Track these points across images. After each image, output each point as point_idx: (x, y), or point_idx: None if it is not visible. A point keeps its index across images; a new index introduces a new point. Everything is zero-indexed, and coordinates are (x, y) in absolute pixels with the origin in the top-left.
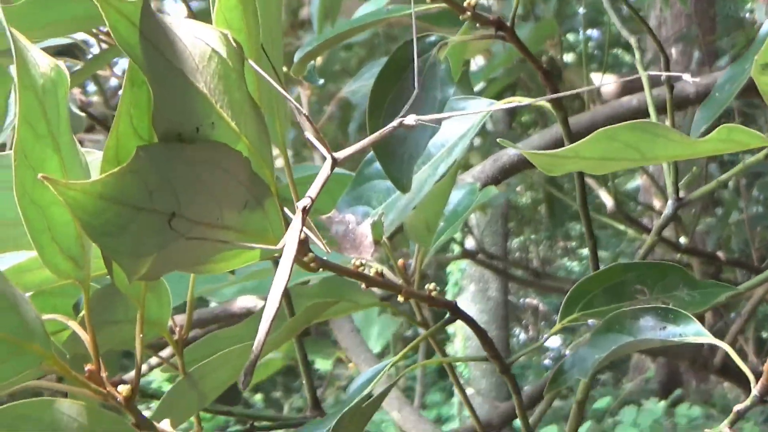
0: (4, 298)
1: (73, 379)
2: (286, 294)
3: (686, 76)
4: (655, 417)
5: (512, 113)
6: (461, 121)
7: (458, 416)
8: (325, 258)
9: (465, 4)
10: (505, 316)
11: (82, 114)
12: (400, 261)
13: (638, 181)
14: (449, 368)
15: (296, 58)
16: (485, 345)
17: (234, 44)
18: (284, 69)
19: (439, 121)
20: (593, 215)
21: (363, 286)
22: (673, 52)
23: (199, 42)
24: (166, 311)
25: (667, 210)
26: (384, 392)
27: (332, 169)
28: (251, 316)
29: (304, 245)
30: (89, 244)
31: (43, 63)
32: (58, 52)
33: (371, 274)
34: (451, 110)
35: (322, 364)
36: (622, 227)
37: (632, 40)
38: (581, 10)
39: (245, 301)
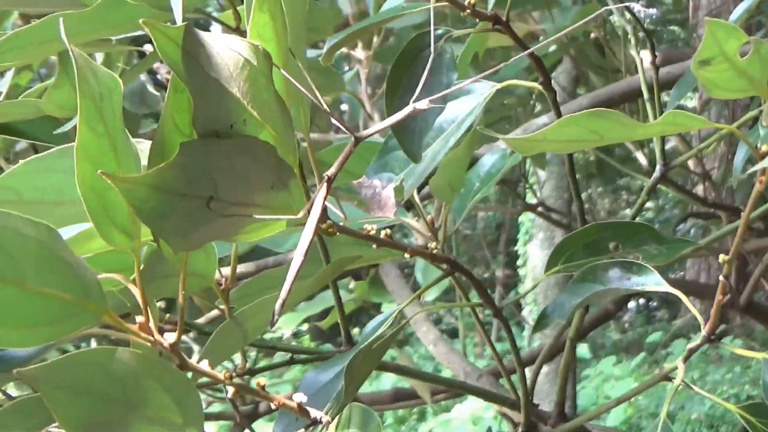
0: (65, 264)
1: (126, 330)
2: (323, 244)
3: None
4: (702, 349)
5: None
6: (469, 99)
7: (528, 347)
8: (341, 224)
9: (466, 2)
10: None
11: (157, 93)
12: (429, 217)
13: (672, 143)
14: (473, 311)
15: (325, 48)
16: (480, 292)
17: (263, 53)
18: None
19: (445, 101)
20: (634, 174)
21: (374, 246)
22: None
23: (234, 53)
24: (212, 265)
25: (656, 173)
26: (394, 334)
27: (354, 146)
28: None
29: (324, 214)
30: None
31: (100, 73)
32: (136, 38)
33: (382, 236)
34: (460, 92)
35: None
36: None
37: (629, 29)
38: None
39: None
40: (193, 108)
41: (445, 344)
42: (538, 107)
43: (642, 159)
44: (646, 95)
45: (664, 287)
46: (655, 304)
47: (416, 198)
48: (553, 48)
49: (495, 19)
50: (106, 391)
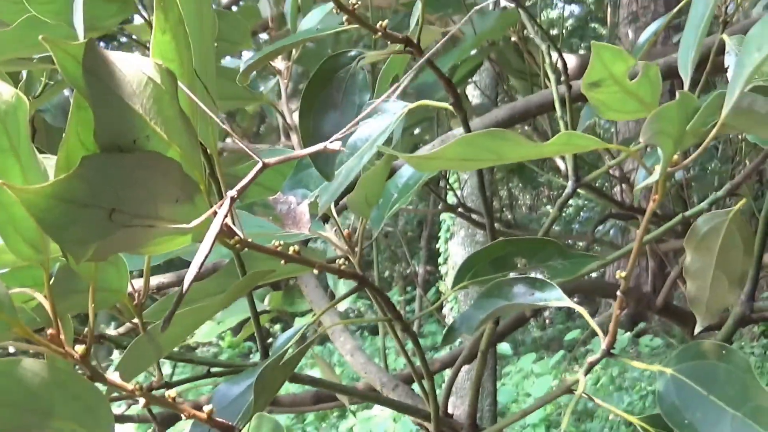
0: None
1: (37, 341)
2: (239, 258)
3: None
4: (622, 346)
5: (497, 83)
6: (382, 119)
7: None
8: (249, 240)
9: (378, 25)
10: None
11: None
12: (346, 231)
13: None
14: (388, 325)
15: (241, 68)
16: (388, 308)
17: (166, 72)
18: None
19: (350, 118)
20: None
21: (282, 262)
22: (629, 30)
23: (137, 71)
24: (124, 281)
25: (568, 189)
26: (302, 349)
27: (260, 171)
28: (208, 277)
29: (231, 231)
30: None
31: (4, 92)
32: None
33: (290, 252)
34: (374, 111)
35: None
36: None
37: (543, 47)
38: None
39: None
40: (95, 122)
41: (362, 354)
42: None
43: (560, 163)
44: (558, 112)
45: (566, 302)
46: (576, 299)
47: (333, 212)
48: (473, 52)
49: (407, 42)
50: (14, 400)
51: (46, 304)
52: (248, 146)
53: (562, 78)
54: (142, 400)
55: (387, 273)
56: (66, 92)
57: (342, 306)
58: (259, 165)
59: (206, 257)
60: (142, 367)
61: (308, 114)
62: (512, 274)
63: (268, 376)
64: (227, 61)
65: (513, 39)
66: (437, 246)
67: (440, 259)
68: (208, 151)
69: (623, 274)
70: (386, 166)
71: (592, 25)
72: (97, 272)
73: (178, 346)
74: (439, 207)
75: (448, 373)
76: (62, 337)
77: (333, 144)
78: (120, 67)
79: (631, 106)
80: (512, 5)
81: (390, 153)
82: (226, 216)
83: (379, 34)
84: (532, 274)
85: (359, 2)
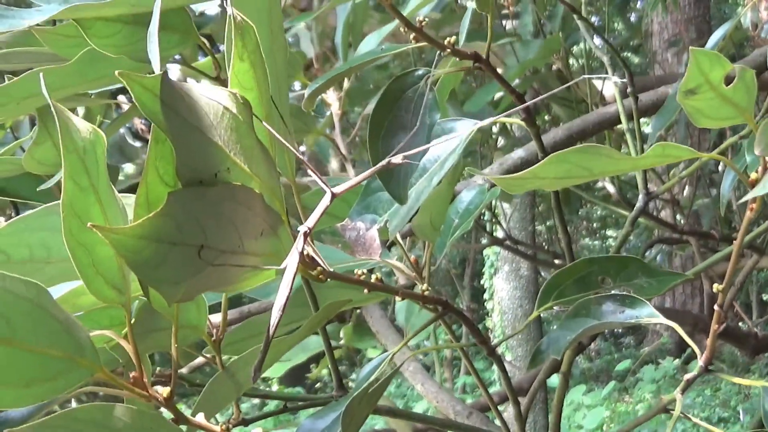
0: (57, 321)
1: (120, 385)
2: (311, 291)
3: (615, 79)
4: (670, 374)
5: (534, 114)
6: (453, 140)
7: (499, 381)
8: (332, 270)
9: (445, 42)
10: (536, 292)
11: (137, 144)
12: (413, 257)
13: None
14: (462, 351)
15: (306, 94)
16: (473, 332)
17: (242, 101)
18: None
19: (421, 139)
20: (601, 204)
21: (365, 291)
22: (668, 55)
23: (213, 102)
24: (203, 317)
25: (639, 203)
26: (388, 378)
27: (331, 201)
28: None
29: (313, 261)
30: (129, 273)
31: (83, 128)
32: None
33: (372, 281)
34: (442, 130)
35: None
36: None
37: (605, 59)
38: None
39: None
40: (176, 157)
41: (433, 383)
42: (501, 141)
43: (611, 187)
44: (624, 126)
45: (659, 319)
46: (620, 330)
47: (399, 238)
48: (517, 81)
49: (475, 58)
50: None
51: (128, 347)
52: (317, 175)
53: (629, 90)
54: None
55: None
56: (121, 130)
57: (413, 341)
58: (329, 194)
59: (289, 295)
60: (221, 405)
61: (377, 137)
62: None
63: (355, 408)
64: None
65: (555, 66)
66: (482, 282)
67: (485, 295)
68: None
69: (720, 287)
70: (449, 188)
71: (625, 53)
72: (179, 310)
73: None
74: (484, 241)
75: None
76: (145, 379)
77: (396, 158)
78: (196, 98)
79: (726, 112)
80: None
81: (468, 170)
82: (303, 251)
83: (448, 51)
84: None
85: (426, 20)
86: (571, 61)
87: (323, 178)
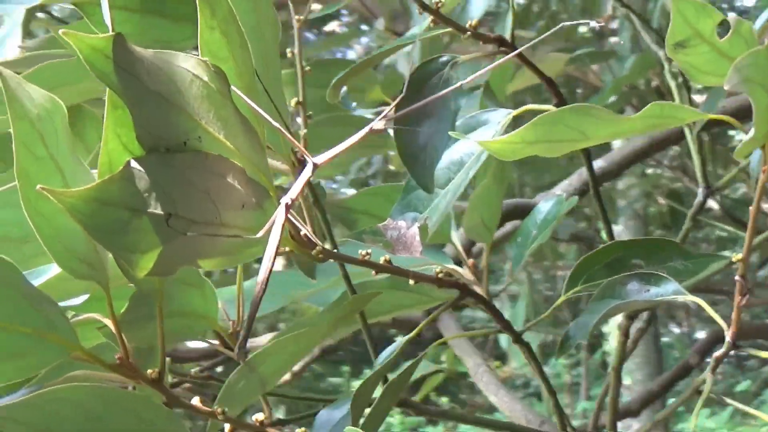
0: (25, 297)
1: (102, 366)
2: (347, 279)
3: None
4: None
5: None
6: (487, 129)
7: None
8: (334, 251)
9: (468, 24)
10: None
11: None
12: (470, 260)
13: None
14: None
15: (331, 85)
16: (497, 319)
17: (214, 70)
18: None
19: (452, 127)
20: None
21: (373, 273)
22: None
23: (180, 69)
24: (212, 306)
25: (699, 197)
26: (408, 369)
27: (313, 171)
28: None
29: (310, 242)
30: (104, 249)
31: (37, 96)
32: None
33: (380, 262)
34: (477, 122)
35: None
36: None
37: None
38: None
39: None
40: (134, 123)
41: (507, 393)
42: None
43: (714, 205)
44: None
45: (685, 296)
46: (744, 353)
47: (456, 241)
48: (613, 98)
49: (500, 41)
50: (83, 430)
51: (111, 325)
52: (300, 147)
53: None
54: (227, 426)
55: (551, 337)
56: None
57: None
58: (310, 165)
59: (271, 268)
60: (245, 402)
61: (401, 124)
62: None
63: (363, 394)
64: (360, 111)
65: (654, 83)
66: None
67: None
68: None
69: (739, 256)
70: (496, 182)
71: None
72: (179, 293)
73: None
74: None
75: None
76: (131, 360)
77: (377, 124)
78: (159, 64)
79: (726, 67)
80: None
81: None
82: (284, 224)
83: (468, 33)
84: None
85: (443, 2)
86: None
87: (303, 149)
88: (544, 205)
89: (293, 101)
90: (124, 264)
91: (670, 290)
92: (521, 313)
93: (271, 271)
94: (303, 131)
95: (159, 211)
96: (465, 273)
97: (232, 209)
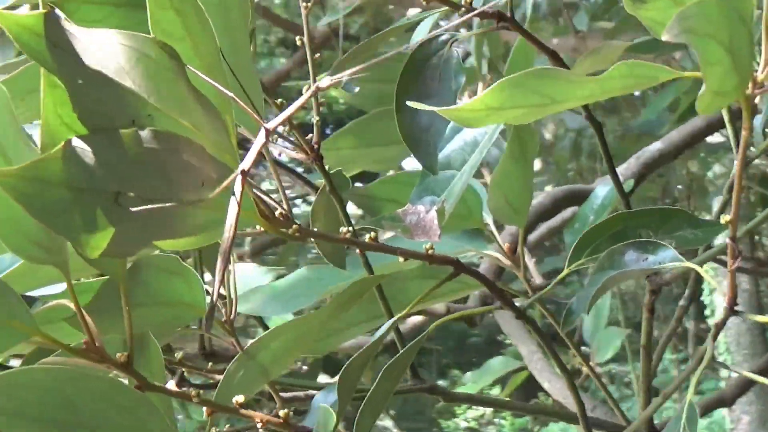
0: None
1: (66, 351)
2: (367, 263)
3: None
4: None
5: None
6: None
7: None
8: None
9: (463, 1)
10: (758, 306)
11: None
12: (506, 245)
13: None
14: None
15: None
16: (497, 295)
17: (164, 48)
18: None
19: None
20: None
21: (357, 251)
22: None
23: (125, 46)
24: (197, 294)
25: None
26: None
27: (266, 137)
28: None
29: (287, 219)
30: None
31: None
32: None
33: (366, 240)
34: None
35: None
36: None
37: None
38: None
39: None
40: (72, 102)
41: (559, 380)
42: None
43: None
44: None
45: (684, 263)
46: None
47: (492, 227)
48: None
49: (499, 16)
50: (53, 415)
51: (71, 305)
52: (251, 114)
53: None
54: (204, 409)
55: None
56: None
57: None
58: (262, 131)
59: (233, 236)
60: (247, 391)
61: (404, 107)
62: None
63: (348, 377)
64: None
65: None
66: (701, 299)
67: (706, 312)
68: None
69: (728, 218)
70: (514, 160)
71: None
72: (161, 281)
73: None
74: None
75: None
76: (98, 344)
77: (323, 81)
78: (99, 41)
79: None
80: None
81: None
82: (242, 192)
83: (463, 9)
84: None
85: None
86: None
87: (255, 115)
88: (601, 190)
89: (305, 88)
90: (76, 246)
91: (667, 257)
92: (606, 303)
93: (232, 241)
94: (315, 118)
95: (103, 188)
96: (502, 258)
97: (192, 188)
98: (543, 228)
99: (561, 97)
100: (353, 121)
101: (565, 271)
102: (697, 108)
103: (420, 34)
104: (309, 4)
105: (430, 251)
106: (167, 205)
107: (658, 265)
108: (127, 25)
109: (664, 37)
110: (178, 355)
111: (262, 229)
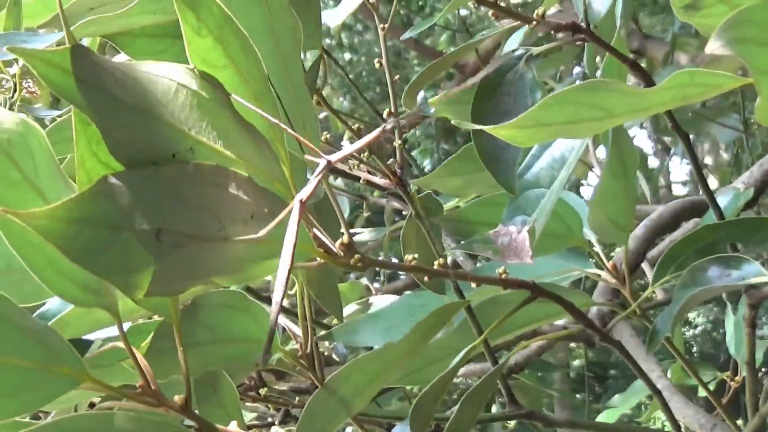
0: (25, 331)
1: (118, 395)
2: (468, 308)
3: None
4: None
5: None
6: None
7: None
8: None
9: (534, 14)
10: None
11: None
12: (611, 263)
13: None
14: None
15: (405, 91)
16: (578, 318)
17: (204, 78)
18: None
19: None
20: None
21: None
22: None
23: (161, 79)
24: (264, 328)
25: None
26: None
27: (326, 168)
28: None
29: (350, 248)
30: None
31: (6, 120)
32: None
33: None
34: None
35: None
36: None
37: None
38: None
39: None
40: (104, 138)
41: (680, 398)
42: None
43: None
44: None
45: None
46: None
47: (594, 240)
48: None
49: (574, 28)
50: None
51: (126, 348)
52: (311, 146)
53: None
54: None
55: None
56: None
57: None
58: (324, 162)
59: (289, 270)
60: (329, 428)
61: (479, 124)
62: None
63: (422, 407)
64: None
65: None
66: None
67: None
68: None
69: None
70: (614, 176)
71: None
72: (224, 318)
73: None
74: None
75: None
76: (153, 387)
77: (389, 123)
78: (135, 75)
79: None
80: None
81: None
82: (299, 222)
83: (535, 23)
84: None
85: None
86: None
87: (315, 149)
88: (722, 200)
89: (386, 112)
90: (118, 286)
91: (752, 272)
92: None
93: (289, 274)
94: (397, 142)
95: (143, 226)
96: (607, 276)
97: (239, 221)
98: (667, 241)
99: (618, 110)
100: (463, 147)
101: (651, 288)
102: (757, 118)
103: (508, 49)
104: (386, 25)
105: (503, 275)
106: (215, 240)
107: (741, 280)
108: (174, 55)
109: (708, 50)
110: (263, 391)
111: (320, 259)
